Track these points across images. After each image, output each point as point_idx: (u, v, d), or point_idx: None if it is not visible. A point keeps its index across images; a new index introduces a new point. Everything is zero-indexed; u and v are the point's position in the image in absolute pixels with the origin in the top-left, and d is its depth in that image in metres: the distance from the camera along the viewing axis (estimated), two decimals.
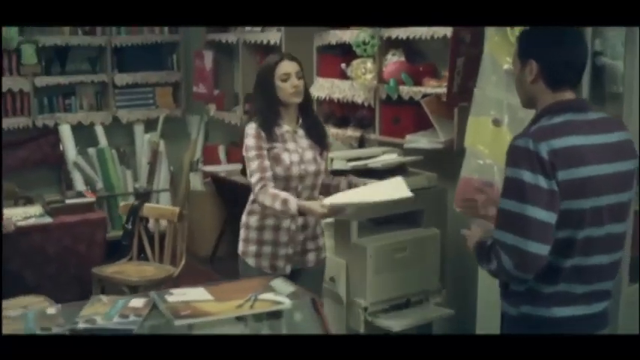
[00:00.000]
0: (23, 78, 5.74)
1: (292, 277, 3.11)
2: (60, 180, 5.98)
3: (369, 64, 4.39)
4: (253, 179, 3.08)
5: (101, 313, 2.30)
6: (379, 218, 3.95)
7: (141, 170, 6.27)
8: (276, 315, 2.45)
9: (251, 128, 3.13)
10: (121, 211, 4.75)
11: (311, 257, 3.32)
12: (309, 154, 3.21)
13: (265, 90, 3.15)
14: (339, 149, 4.38)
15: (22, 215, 4.46)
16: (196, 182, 6.18)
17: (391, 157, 4.02)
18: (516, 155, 2.06)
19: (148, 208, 4.64)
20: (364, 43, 4.37)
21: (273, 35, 5.28)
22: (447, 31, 3.91)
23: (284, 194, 3.01)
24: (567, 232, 2.06)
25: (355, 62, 4.46)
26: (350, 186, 3.30)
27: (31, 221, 4.40)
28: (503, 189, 2.11)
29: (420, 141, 4.13)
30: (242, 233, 3.27)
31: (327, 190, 3.32)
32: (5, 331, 2.15)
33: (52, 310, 2.34)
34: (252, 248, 3.22)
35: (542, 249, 2.02)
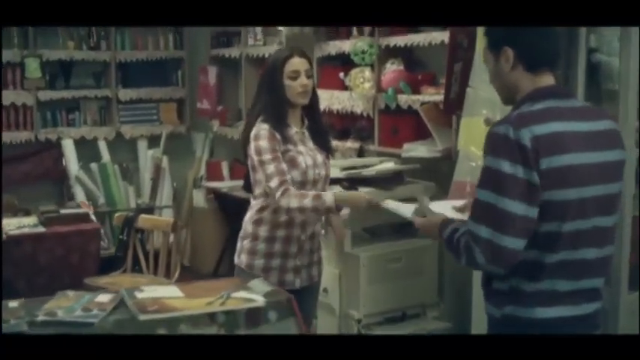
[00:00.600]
0: (27, 92, 5.73)
1: (299, 294, 2.74)
2: (62, 195, 5.94)
3: (367, 73, 4.32)
4: (272, 184, 2.77)
5: (64, 307, 2.21)
6: (374, 228, 3.84)
7: (144, 186, 6.22)
8: (249, 314, 2.34)
9: (263, 129, 2.84)
10: (115, 222, 4.68)
11: (314, 271, 3.07)
12: (319, 158, 2.97)
13: (272, 88, 2.88)
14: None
15: (15, 225, 4.40)
16: (199, 199, 6.11)
17: (386, 166, 3.93)
18: (495, 143, 1.94)
19: (143, 219, 4.57)
20: (362, 52, 4.30)
21: (274, 49, 5.22)
22: (444, 36, 3.83)
23: (311, 192, 2.80)
24: (551, 225, 1.94)
25: (354, 71, 4.39)
26: None
27: (24, 230, 4.35)
28: (479, 178, 1.99)
29: (417, 149, 4.04)
30: (247, 245, 2.95)
31: None
32: None
33: (14, 303, 2.25)
34: (260, 262, 2.92)
35: (517, 244, 1.90)
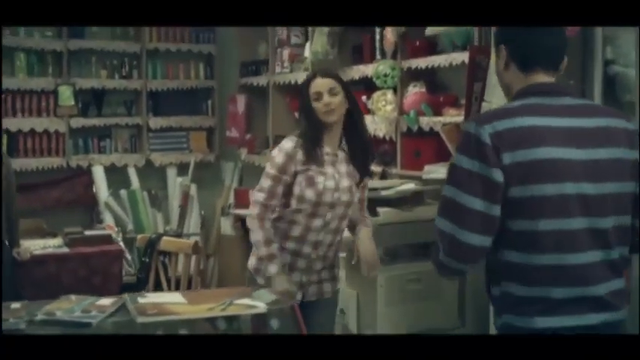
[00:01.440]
0: (59, 119, 5.85)
1: (309, 308, 2.87)
2: (92, 220, 6.00)
3: (390, 96, 4.31)
4: (257, 197, 2.88)
5: (64, 309, 2.21)
6: (392, 249, 3.79)
7: (172, 213, 6.26)
8: (252, 321, 2.31)
9: (287, 144, 2.92)
10: (138, 244, 4.70)
11: (327, 288, 3.08)
12: (345, 182, 2.97)
13: (303, 110, 2.99)
14: None
15: (41, 245, 4.47)
16: (227, 226, 6.12)
17: (407, 187, 3.89)
18: (461, 140, 1.94)
19: (165, 241, 4.56)
20: (385, 75, 4.30)
21: (301, 75, 5.27)
22: (464, 57, 3.81)
23: (275, 249, 2.85)
24: (526, 224, 1.85)
25: (376, 94, 4.38)
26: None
27: (49, 250, 4.40)
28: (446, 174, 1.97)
29: (438, 171, 3.99)
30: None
31: (352, 224, 3.11)
32: None
33: (16, 304, 2.27)
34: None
35: (477, 239, 1.85)
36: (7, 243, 4.33)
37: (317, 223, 2.92)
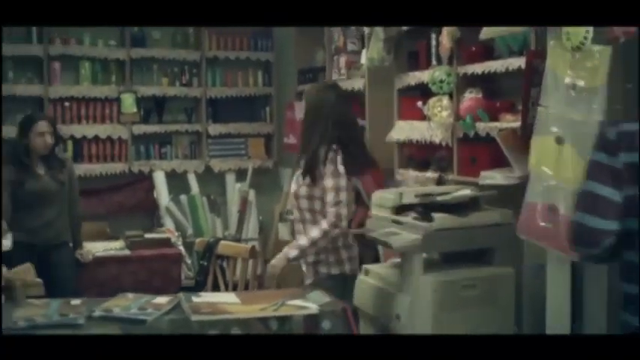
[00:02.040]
0: (122, 126, 6.01)
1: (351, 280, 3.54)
2: (153, 225, 6.13)
3: (445, 101, 4.30)
4: (343, 212, 3.44)
5: (121, 306, 2.28)
6: (446, 254, 3.77)
7: (231, 219, 6.35)
8: (304, 322, 2.34)
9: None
10: (197, 248, 4.79)
11: (347, 266, 3.62)
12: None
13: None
14: None
15: (102, 248, 4.59)
16: (285, 232, 6.17)
17: (462, 193, 3.87)
18: None
19: (223, 245, 4.64)
20: (440, 81, 4.28)
21: (357, 82, 5.30)
22: (521, 62, 3.78)
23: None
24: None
25: (431, 100, 4.37)
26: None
27: (111, 253, 4.52)
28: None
29: (494, 177, 3.95)
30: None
31: None
32: (26, 313, 2.16)
33: (76, 301, 2.34)
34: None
35: (604, 224, 1.96)
36: (70, 245, 4.47)
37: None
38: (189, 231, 6.08)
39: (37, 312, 2.27)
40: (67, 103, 5.89)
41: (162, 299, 2.38)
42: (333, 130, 3.53)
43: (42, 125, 4.39)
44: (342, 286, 3.53)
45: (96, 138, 5.98)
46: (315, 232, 3.42)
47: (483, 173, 4.05)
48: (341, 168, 3.44)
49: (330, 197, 3.42)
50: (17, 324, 2.18)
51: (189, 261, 5.83)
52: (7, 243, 3.77)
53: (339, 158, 3.46)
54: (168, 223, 6.00)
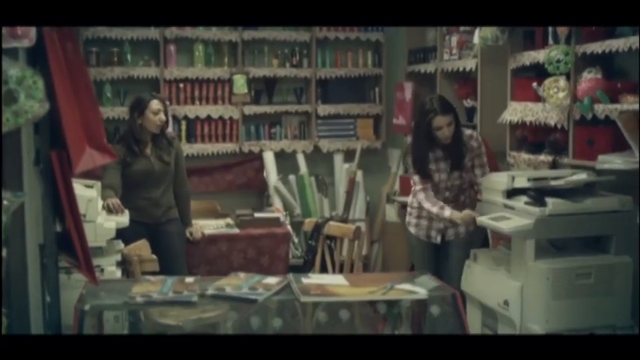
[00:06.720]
0: (234, 106, 6.12)
1: (444, 245, 4.28)
2: (262, 204, 6.24)
3: (562, 82, 4.14)
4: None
5: (232, 285, 2.33)
6: (559, 241, 3.65)
7: (338, 199, 6.38)
8: (412, 306, 2.32)
9: None
10: (305, 228, 4.84)
11: (461, 229, 4.23)
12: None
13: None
14: None
15: (213, 226, 4.71)
16: (392, 213, 6.15)
17: (578, 177, 3.73)
18: None
19: (331, 225, 4.67)
20: (557, 61, 4.13)
21: (469, 62, 5.18)
22: None
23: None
24: None
25: (547, 81, 4.22)
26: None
27: (221, 230, 4.63)
28: None
29: (613, 161, 3.78)
30: (408, 209, 4.45)
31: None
32: (142, 289, 2.23)
33: (190, 279, 2.41)
34: (413, 220, 4.38)
35: None
36: (179, 222, 4.61)
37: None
38: (297, 210, 6.14)
39: (152, 288, 2.35)
40: (181, 85, 6.04)
41: (272, 279, 2.42)
42: None
43: (155, 103, 4.54)
44: None
45: (208, 118, 6.12)
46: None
47: (601, 157, 3.88)
48: None
49: None
50: (135, 299, 2.27)
51: (296, 240, 5.91)
52: (125, 219, 3.92)
53: None
54: (277, 203, 6.09)
